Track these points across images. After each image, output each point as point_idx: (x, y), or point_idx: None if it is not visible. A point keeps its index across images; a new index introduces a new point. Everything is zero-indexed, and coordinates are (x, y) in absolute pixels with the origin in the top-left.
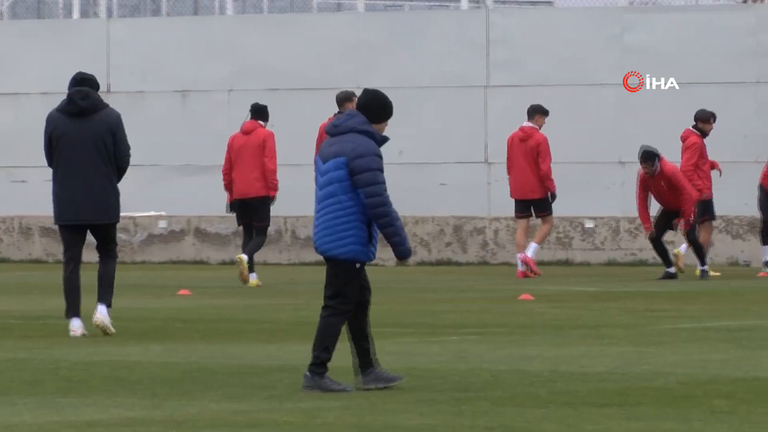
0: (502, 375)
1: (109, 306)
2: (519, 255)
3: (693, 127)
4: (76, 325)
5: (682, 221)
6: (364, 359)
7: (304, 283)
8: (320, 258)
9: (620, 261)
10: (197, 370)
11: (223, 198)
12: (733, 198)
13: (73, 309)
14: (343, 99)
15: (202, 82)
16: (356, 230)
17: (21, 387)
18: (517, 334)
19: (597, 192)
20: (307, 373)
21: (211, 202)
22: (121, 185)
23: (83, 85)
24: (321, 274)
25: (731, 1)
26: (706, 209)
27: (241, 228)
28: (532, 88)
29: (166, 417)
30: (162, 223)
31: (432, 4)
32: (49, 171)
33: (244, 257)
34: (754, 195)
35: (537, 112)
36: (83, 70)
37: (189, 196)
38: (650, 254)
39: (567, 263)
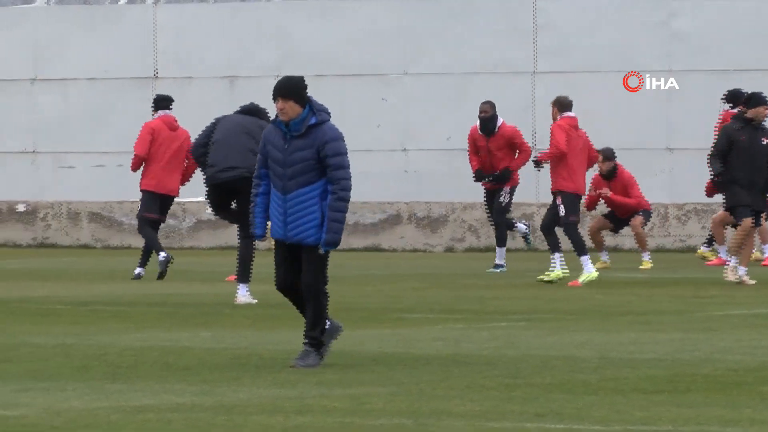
0: (551, 361)
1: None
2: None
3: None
4: None
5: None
6: None
7: (352, 269)
8: (369, 244)
9: (669, 247)
10: (246, 356)
11: None
12: None
13: None
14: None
15: (249, 67)
16: None
17: (70, 373)
18: (565, 320)
19: (645, 179)
20: None
21: None
22: None
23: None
24: (369, 260)
25: None
26: None
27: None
28: (578, 74)
29: (216, 403)
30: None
31: None
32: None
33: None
34: None
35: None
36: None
37: None
38: (700, 240)
39: (616, 250)
